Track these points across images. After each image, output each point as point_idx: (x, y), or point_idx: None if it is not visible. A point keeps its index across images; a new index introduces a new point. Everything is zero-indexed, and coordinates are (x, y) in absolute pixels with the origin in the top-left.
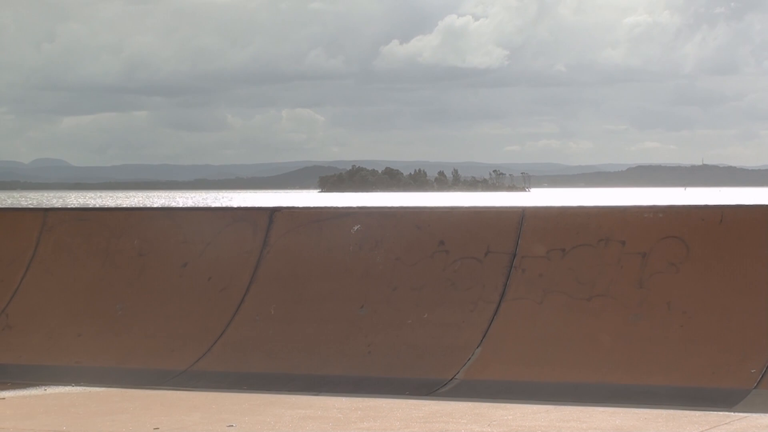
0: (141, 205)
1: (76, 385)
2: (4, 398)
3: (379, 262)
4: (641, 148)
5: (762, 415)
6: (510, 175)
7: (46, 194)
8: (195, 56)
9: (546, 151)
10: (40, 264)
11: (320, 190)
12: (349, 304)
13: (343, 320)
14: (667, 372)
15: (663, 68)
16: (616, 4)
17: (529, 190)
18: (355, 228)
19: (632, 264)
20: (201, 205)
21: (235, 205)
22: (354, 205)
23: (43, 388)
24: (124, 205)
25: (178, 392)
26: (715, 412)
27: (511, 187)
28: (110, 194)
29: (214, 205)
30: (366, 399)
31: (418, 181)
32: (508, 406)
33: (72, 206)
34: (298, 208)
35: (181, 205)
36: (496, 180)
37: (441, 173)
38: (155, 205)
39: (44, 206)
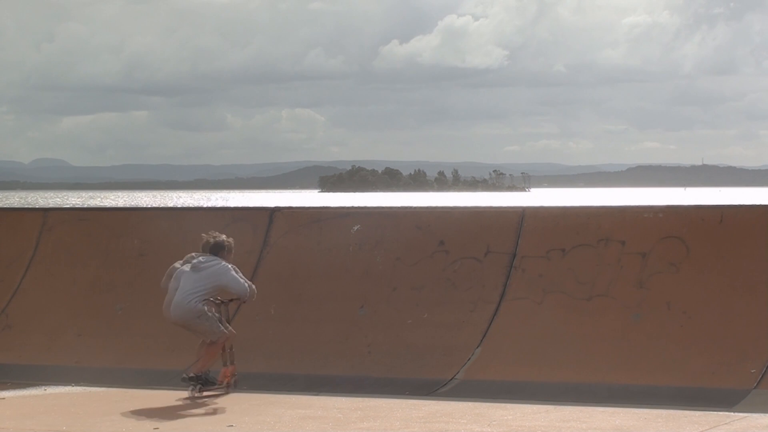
0: (141, 205)
1: (76, 385)
2: (4, 398)
3: (379, 262)
4: (641, 148)
5: (762, 415)
6: (510, 175)
7: (46, 194)
8: (195, 56)
9: (546, 151)
10: (40, 264)
11: (320, 190)
12: (349, 304)
13: (343, 320)
14: (667, 372)
15: (662, 68)
16: (615, 5)
17: (529, 190)
18: (355, 228)
19: (632, 264)
20: (201, 205)
21: (235, 205)
22: (354, 205)
23: (43, 388)
24: (124, 205)
25: (178, 392)
26: (715, 412)
27: (511, 187)
28: (110, 194)
29: (214, 205)
30: (366, 399)
31: (418, 181)
32: (508, 406)
33: (72, 206)
34: (298, 208)
35: (181, 205)
36: (496, 180)
37: (441, 173)
38: (155, 205)
39: (44, 206)
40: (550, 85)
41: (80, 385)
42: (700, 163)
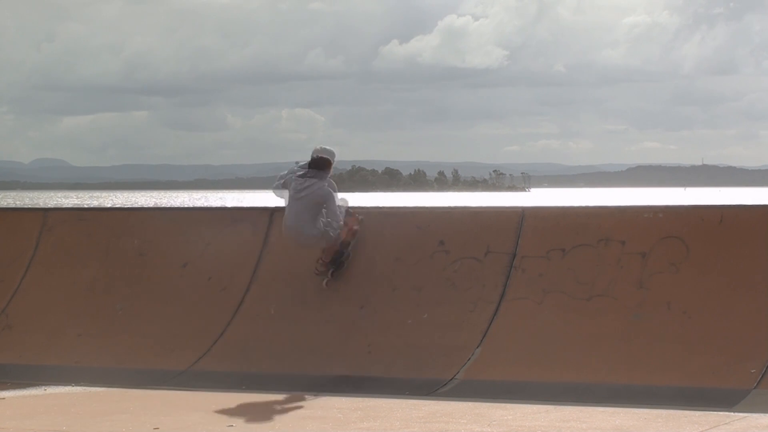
0: (141, 205)
1: (76, 385)
2: (4, 398)
3: (379, 262)
4: (641, 148)
5: (762, 415)
6: (510, 175)
7: (46, 194)
8: (195, 56)
9: (546, 151)
10: (40, 264)
11: None
12: (349, 304)
13: (343, 320)
14: (667, 372)
15: (662, 68)
16: (615, 5)
17: (529, 190)
18: (355, 228)
19: (632, 264)
20: (201, 205)
21: (235, 205)
22: (354, 205)
23: (43, 388)
24: (124, 205)
25: (178, 392)
26: (715, 412)
27: (511, 187)
28: (110, 194)
29: (214, 205)
30: (366, 399)
31: (418, 181)
32: (508, 406)
33: (72, 206)
34: None
35: (181, 205)
36: (496, 180)
37: (441, 173)
38: (155, 205)
39: (44, 206)
40: (550, 85)
41: (80, 385)
42: (700, 163)
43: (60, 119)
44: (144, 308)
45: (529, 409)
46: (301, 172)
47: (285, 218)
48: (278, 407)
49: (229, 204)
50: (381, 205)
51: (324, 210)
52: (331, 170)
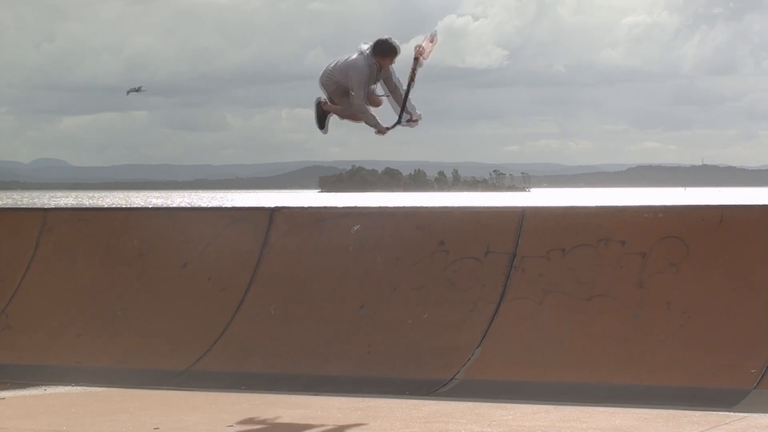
0: (141, 205)
1: (76, 385)
2: (4, 398)
3: (379, 262)
4: (641, 148)
5: (762, 415)
6: (510, 175)
7: (46, 194)
8: (195, 56)
9: (546, 151)
10: (40, 264)
11: (320, 190)
12: (349, 304)
13: (343, 320)
14: (667, 372)
15: (662, 68)
16: (615, 5)
17: (529, 190)
18: (355, 228)
19: (632, 264)
20: (201, 205)
21: (235, 205)
22: (354, 205)
23: (43, 388)
24: (124, 205)
25: (178, 392)
26: (715, 412)
27: (511, 187)
28: (110, 194)
29: (214, 205)
30: (366, 399)
31: (418, 181)
32: (508, 406)
33: (72, 206)
34: (298, 208)
35: (181, 205)
36: (496, 180)
37: (441, 173)
38: (155, 205)
39: (44, 206)
40: (550, 85)
41: (80, 385)
42: (700, 163)
43: (60, 119)
44: (144, 308)
45: (529, 409)
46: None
47: None
48: (278, 407)
49: (229, 204)
50: (381, 205)
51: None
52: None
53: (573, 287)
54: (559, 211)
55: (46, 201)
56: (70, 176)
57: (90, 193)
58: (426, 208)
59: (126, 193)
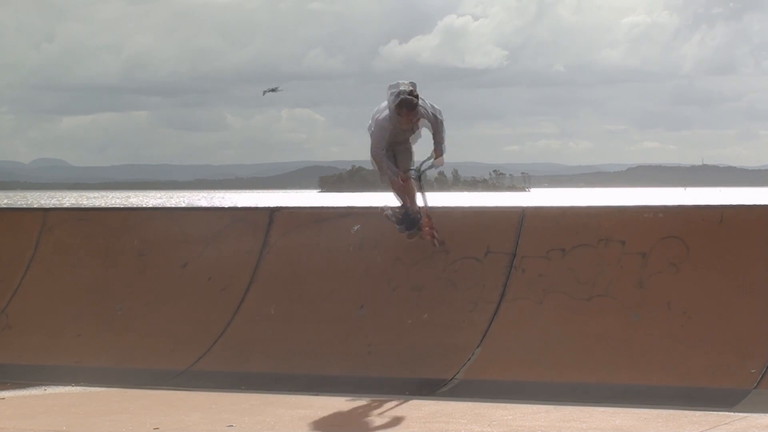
0: (141, 205)
1: (76, 385)
2: (4, 398)
3: (378, 262)
4: (641, 148)
5: (762, 415)
6: (510, 175)
7: (46, 194)
8: (194, 56)
9: (546, 151)
10: (40, 264)
11: (320, 190)
12: (349, 304)
13: (343, 320)
14: (667, 372)
15: (662, 68)
16: (615, 5)
17: (529, 190)
18: (355, 228)
19: (632, 264)
20: (201, 205)
21: (235, 205)
22: (354, 205)
23: (43, 388)
24: (124, 205)
25: (178, 392)
26: (715, 412)
27: (511, 187)
28: (110, 194)
29: (214, 205)
30: (366, 399)
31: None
32: (508, 406)
33: (72, 206)
34: (298, 208)
35: (181, 205)
36: (496, 180)
37: (441, 173)
38: (155, 205)
39: (44, 206)
40: (550, 85)
41: (80, 385)
42: (700, 163)
43: (60, 119)
44: (144, 308)
45: (529, 409)
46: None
47: None
48: (278, 407)
49: (229, 204)
50: (381, 205)
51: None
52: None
53: (573, 287)
54: (559, 211)
55: (46, 201)
56: (70, 176)
57: (90, 193)
58: (426, 208)
59: (126, 193)
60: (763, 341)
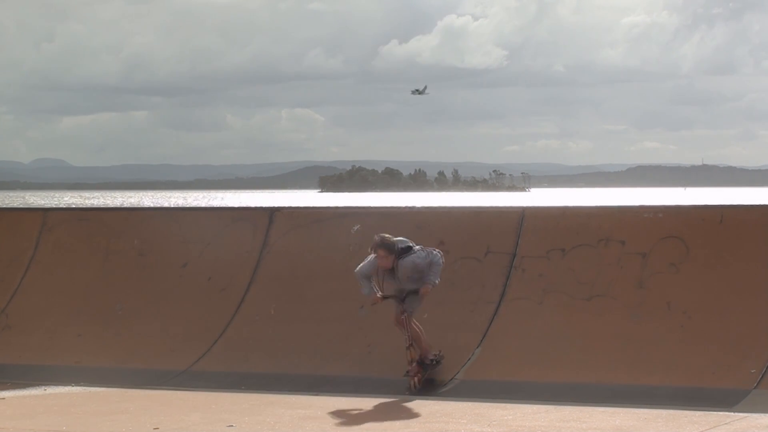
0: (141, 205)
1: (76, 385)
2: (4, 398)
3: None
4: (641, 148)
5: (762, 415)
6: (510, 175)
7: (46, 194)
8: (194, 56)
9: (546, 151)
10: (40, 264)
11: (320, 190)
12: (349, 304)
13: (343, 320)
14: (667, 372)
15: (661, 68)
16: (614, 5)
17: (529, 190)
18: (355, 228)
19: (632, 264)
20: (201, 205)
21: (235, 205)
22: (354, 205)
23: (43, 388)
24: (124, 205)
25: (178, 392)
26: (715, 412)
27: (511, 187)
28: (110, 194)
29: (214, 205)
30: (366, 399)
31: (418, 181)
32: (508, 406)
33: (72, 206)
34: (298, 208)
35: (181, 205)
36: (496, 180)
37: (441, 173)
38: (155, 205)
39: (44, 206)
40: (549, 85)
41: (80, 385)
42: (700, 163)
43: (60, 119)
44: (144, 308)
45: (529, 409)
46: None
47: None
48: (278, 407)
49: (229, 204)
50: (381, 205)
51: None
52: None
53: (573, 287)
54: (559, 211)
55: (46, 201)
56: (70, 176)
57: (90, 193)
58: (426, 208)
59: (126, 193)
60: (763, 341)
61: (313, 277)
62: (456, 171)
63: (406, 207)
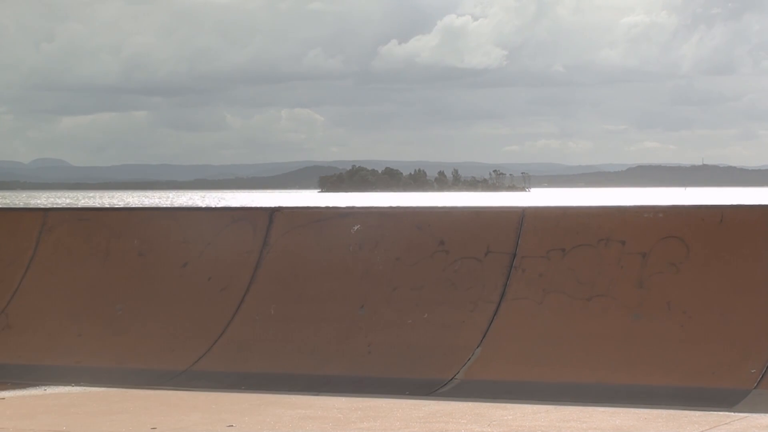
0: (141, 205)
1: (76, 385)
2: (4, 398)
3: (379, 262)
4: (641, 148)
5: (762, 415)
6: (510, 175)
7: (46, 194)
8: (194, 56)
9: (545, 151)
10: (40, 264)
11: (320, 190)
12: (349, 304)
13: (343, 320)
14: (667, 372)
15: (661, 68)
16: (614, 5)
17: (529, 190)
18: (355, 228)
19: (632, 264)
20: (201, 205)
21: (234, 205)
22: (354, 205)
23: (43, 388)
24: (124, 205)
25: (178, 392)
26: (715, 412)
27: (511, 187)
28: (110, 194)
29: (214, 205)
30: (366, 399)
31: (418, 181)
32: (508, 406)
33: (72, 206)
34: (298, 208)
35: (181, 205)
36: (496, 180)
37: (441, 173)
38: (155, 205)
39: (44, 206)
40: (549, 85)
41: (80, 385)
42: (700, 163)
43: (60, 119)
44: (144, 308)
45: (529, 409)
46: None
47: None
48: (278, 407)
49: (229, 204)
50: (381, 205)
51: None
52: None
53: (573, 287)
54: (559, 211)
55: (46, 201)
56: (70, 176)
57: (90, 193)
58: (426, 208)
59: (126, 193)
60: (763, 341)
61: (313, 277)
62: (456, 171)
63: (406, 207)
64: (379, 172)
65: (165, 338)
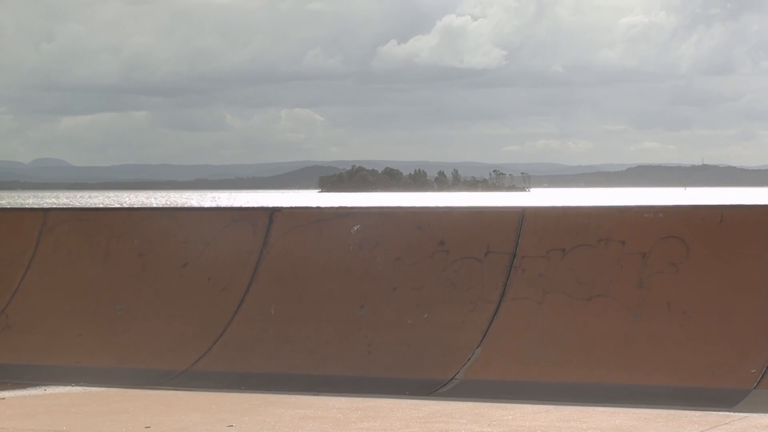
0: (141, 205)
1: (76, 385)
2: (4, 398)
3: (379, 262)
4: (641, 148)
5: (762, 415)
6: (510, 175)
7: (46, 194)
8: (194, 56)
9: (545, 151)
10: (40, 264)
11: (320, 190)
12: (349, 304)
13: (343, 320)
14: (667, 372)
15: (660, 69)
16: (613, 5)
17: (529, 190)
18: (355, 228)
19: (632, 264)
20: (201, 205)
21: (235, 205)
22: (354, 205)
23: (43, 388)
24: (124, 205)
25: (178, 392)
26: (715, 412)
27: (511, 187)
28: (110, 194)
29: (214, 205)
30: (366, 399)
31: (418, 181)
32: (508, 406)
33: (72, 206)
34: (298, 208)
35: (180, 205)
36: (496, 180)
37: (441, 173)
38: (155, 205)
39: (44, 206)
40: (549, 85)
41: (80, 385)
42: (700, 163)
43: (60, 119)
44: (144, 308)
45: (529, 409)
46: None
47: None
48: (278, 407)
49: (229, 204)
50: (381, 205)
51: None
52: None
53: (573, 287)
54: (559, 211)
55: (46, 201)
56: (70, 176)
57: (90, 193)
58: (426, 208)
59: (126, 193)
60: (763, 341)
61: (313, 277)
62: (456, 171)
63: (406, 207)
64: (379, 172)
65: (165, 338)
